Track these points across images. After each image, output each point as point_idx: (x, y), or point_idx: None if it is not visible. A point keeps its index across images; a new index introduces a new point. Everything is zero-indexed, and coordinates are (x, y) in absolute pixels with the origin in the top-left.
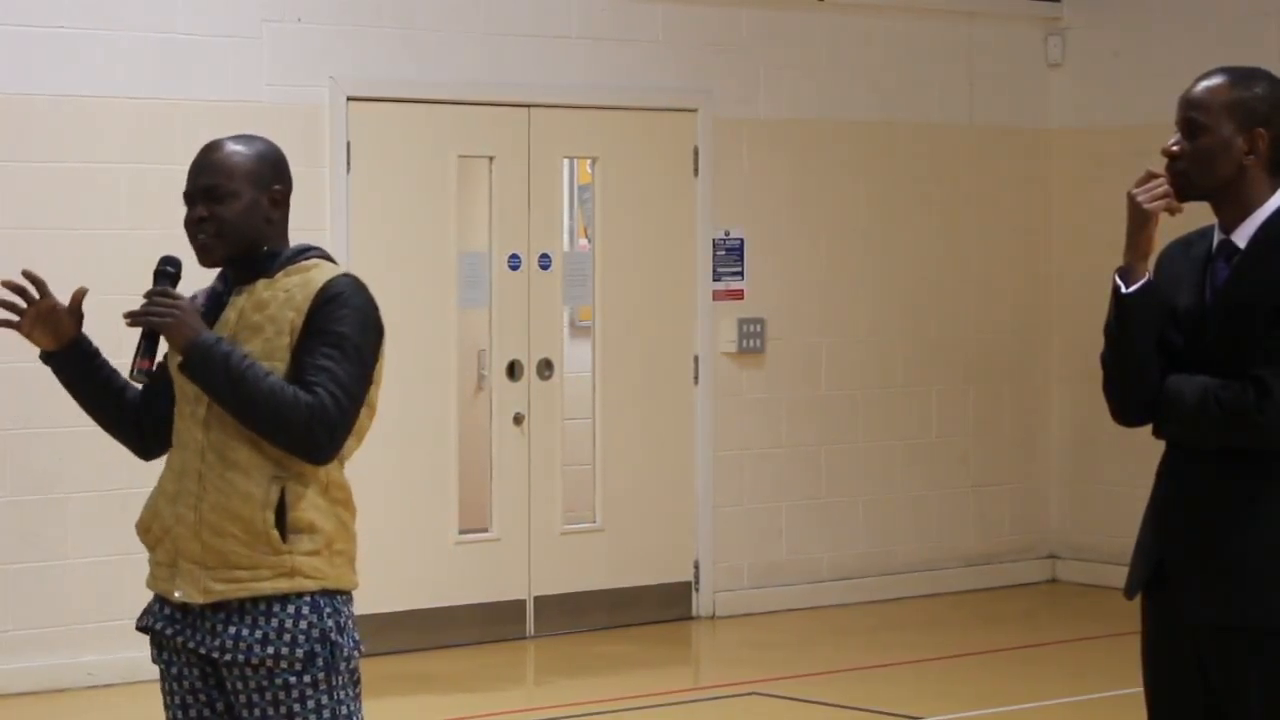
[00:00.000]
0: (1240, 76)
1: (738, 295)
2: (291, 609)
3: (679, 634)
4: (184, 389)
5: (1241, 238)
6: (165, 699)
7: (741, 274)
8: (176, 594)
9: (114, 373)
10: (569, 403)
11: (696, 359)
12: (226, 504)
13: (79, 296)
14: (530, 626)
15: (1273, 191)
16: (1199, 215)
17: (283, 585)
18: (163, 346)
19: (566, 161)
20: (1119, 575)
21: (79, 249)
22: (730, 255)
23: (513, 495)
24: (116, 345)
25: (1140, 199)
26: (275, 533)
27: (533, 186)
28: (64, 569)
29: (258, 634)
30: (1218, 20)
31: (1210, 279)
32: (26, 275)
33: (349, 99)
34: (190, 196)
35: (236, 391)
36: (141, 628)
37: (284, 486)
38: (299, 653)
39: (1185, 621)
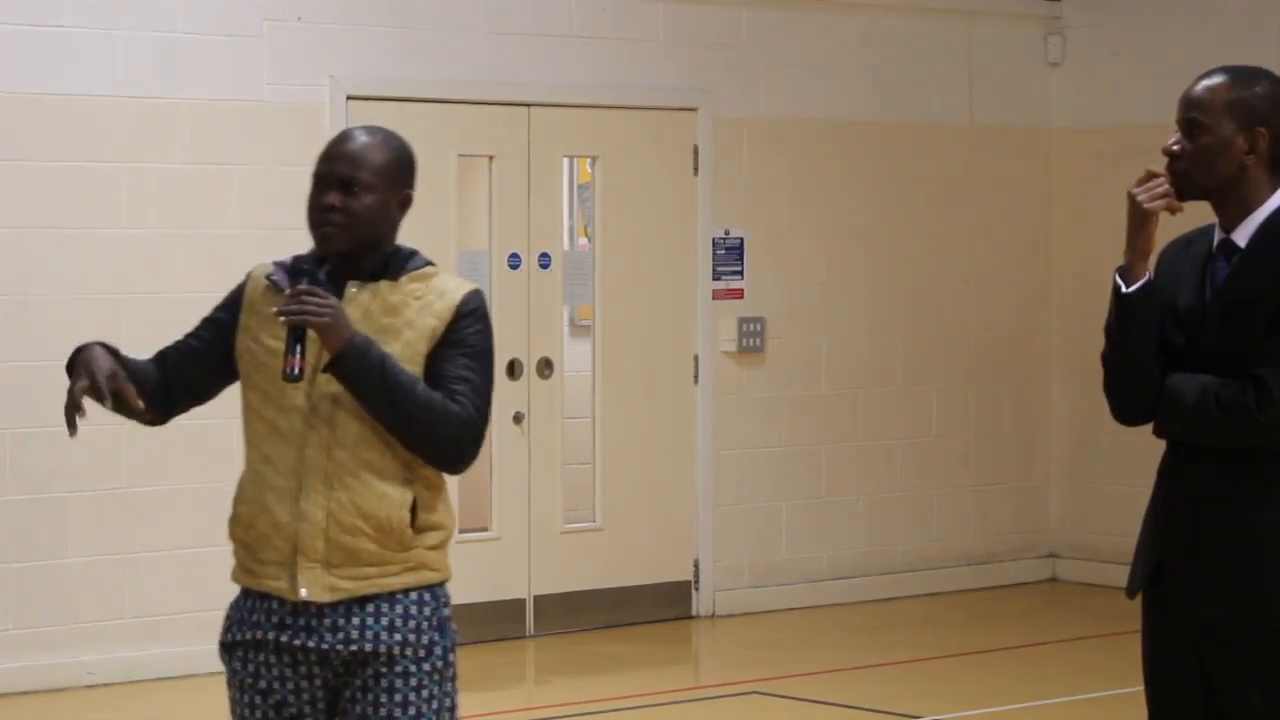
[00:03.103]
0: (1241, 76)
1: (738, 294)
2: (414, 595)
3: (679, 633)
4: (293, 384)
5: (1242, 237)
6: (243, 712)
7: (741, 273)
8: (302, 593)
9: (137, 374)
10: (569, 402)
11: (696, 358)
12: (360, 503)
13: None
14: (530, 626)
15: (1273, 191)
16: (1199, 214)
17: (409, 580)
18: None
19: (566, 160)
20: (1119, 575)
21: (79, 249)
22: (730, 254)
23: (513, 494)
24: (113, 343)
25: (1141, 198)
26: (410, 532)
27: (533, 186)
28: (64, 569)
29: (383, 621)
30: (1218, 20)
31: (1210, 278)
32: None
33: (349, 98)
34: (322, 181)
35: (390, 398)
36: (234, 641)
37: (414, 488)
38: (423, 640)
39: (1185, 621)
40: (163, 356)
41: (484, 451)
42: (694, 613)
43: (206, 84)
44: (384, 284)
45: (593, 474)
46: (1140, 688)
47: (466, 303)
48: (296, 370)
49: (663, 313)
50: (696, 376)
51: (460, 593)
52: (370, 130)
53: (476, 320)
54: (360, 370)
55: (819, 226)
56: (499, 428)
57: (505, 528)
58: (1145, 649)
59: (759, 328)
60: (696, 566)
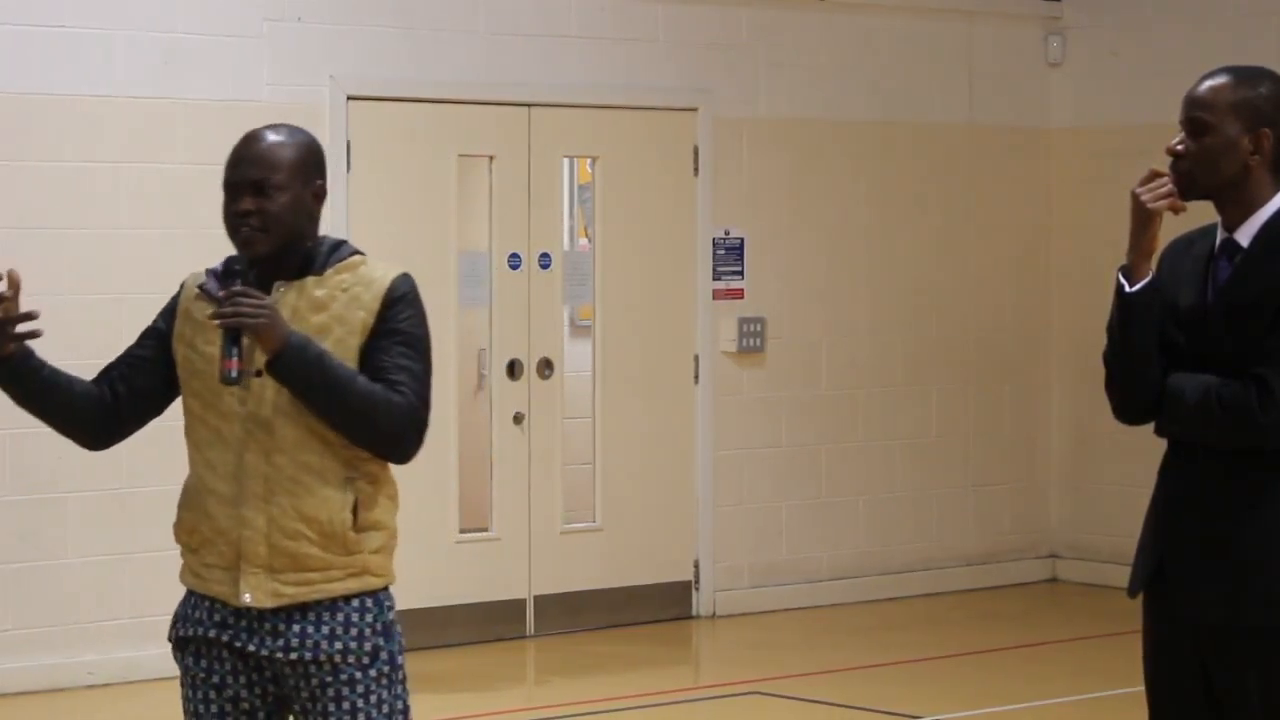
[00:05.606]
0: (1245, 76)
1: (738, 295)
2: (356, 603)
3: (679, 634)
4: (224, 389)
5: (1244, 237)
6: (196, 708)
7: (741, 273)
8: (245, 598)
9: (58, 374)
10: (569, 402)
11: (696, 358)
12: (301, 507)
13: (24, 321)
14: (530, 626)
15: (1276, 191)
16: (1202, 214)
17: (353, 585)
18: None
19: (566, 161)
20: (1119, 575)
21: (79, 249)
22: (730, 255)
23: (513, 495)
24: (114, 346)
25: (1144, 198)
26: (353, 534)
27: (533, 186)
28: (64, 569)
29: (324, 630)
30: (1218, 20)
31: (1212, 277)
32: (10, 277)
33: (349, 98)
34: (234, 188)
35: (332, 394)
36: (182, 637)
37: (356, 487)
38: (366, 647)
39: (1186, 621)
40: (107, 372)
41: (484, 452)
42: (694, 613)
43: (206, 84)
44: (310, 280)
45: (593, 474)
46: (1141, 688)
47: (395, 289)
48: (235, 373)
49: (663, 313)
50: (696, 376)
51: (460, 593)
52: (274, 129)
53: (407, 305)
54: (299, 368)
55: (819, 226)
56: (499, 428)
57: (505, 528)
58: (1146, 649)
59: (759, 328)
60: (696, 567)
